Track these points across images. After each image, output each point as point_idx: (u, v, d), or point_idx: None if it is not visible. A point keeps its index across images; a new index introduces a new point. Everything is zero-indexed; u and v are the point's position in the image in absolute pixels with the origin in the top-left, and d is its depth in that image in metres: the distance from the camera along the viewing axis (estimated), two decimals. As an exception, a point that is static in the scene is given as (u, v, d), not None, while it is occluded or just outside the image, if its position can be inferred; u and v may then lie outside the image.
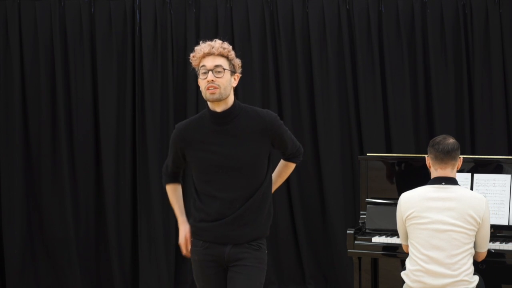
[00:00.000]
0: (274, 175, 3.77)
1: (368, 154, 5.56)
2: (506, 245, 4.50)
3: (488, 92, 6.29)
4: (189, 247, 3.68)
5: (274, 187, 3.75)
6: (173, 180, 3.81)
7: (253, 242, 3.56)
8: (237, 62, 3.61)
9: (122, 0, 6.38)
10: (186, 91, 6.41)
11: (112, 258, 6.35)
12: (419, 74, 6.35)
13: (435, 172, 4.09)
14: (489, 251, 4.42)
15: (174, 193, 3.83)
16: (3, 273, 6.41)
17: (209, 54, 3.53)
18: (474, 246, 4.06)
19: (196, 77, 3.59)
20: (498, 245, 4.49)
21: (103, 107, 6.37)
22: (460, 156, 4.13)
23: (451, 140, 4.09)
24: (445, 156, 4.05)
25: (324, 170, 6.36)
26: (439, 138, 4.13)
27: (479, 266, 4.58)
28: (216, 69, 3.51)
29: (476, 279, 4.01)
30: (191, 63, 3.60)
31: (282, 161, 3.80)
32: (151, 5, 6.36)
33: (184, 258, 6.37)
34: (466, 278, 3.93)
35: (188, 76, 6.38)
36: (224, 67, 3.53)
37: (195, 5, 6.40)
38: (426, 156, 4.18)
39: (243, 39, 6.39)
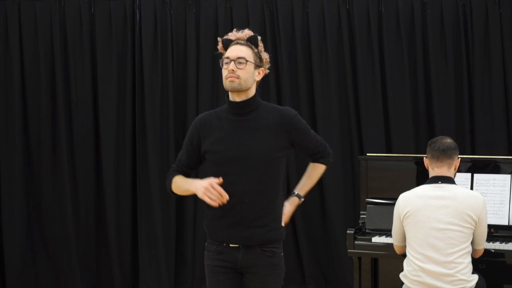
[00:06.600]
0: (303, 177, 3.62)
1: (368, 154, 5.57)
2: (506, 245, 4.50)
3: (488, 92, 6.29)
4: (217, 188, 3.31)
5: (304, 190, 3.60)
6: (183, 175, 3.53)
7: (266, 248, 3.40)
8: (265, 56, 3.47)
9: (122, 0, 6.38)
10: (186, 91, 6.41)
11: (112, 258, 6.35)
12: (419, 74, 6.34)
13: (432, 172, 4.14)
14: (489, 251, 4.42)
15: (183, 178, 3.50)
16: (3, 273, 6.41)
17: (234, 43, 3.42)
18: (472, 244, 4.06)
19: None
20: (498, 245, 4.49)
21: (103, 107, 6.37)
22: (458, 156, 4.15)
23: (448, 140, 4.15)
24: (440, 154, 4.08)
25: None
26: (436, 138, 4.21)
27: (479, 266, 4.58)
28: (239, 61, 3.38)
29: (475, 278, 4.00)
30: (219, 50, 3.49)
31: (310, 164, 3.63)
32: (151, 5, 6.36)
33: (184, 258, 6.44)
34: (463, 277, 3.93)
35: (188, 76, 6.38)
36: (248, 59, 3.39)
37: (195, 5, 6.40)
38: (424, 157, 4.21)
39: (243, 39, 6.38)
